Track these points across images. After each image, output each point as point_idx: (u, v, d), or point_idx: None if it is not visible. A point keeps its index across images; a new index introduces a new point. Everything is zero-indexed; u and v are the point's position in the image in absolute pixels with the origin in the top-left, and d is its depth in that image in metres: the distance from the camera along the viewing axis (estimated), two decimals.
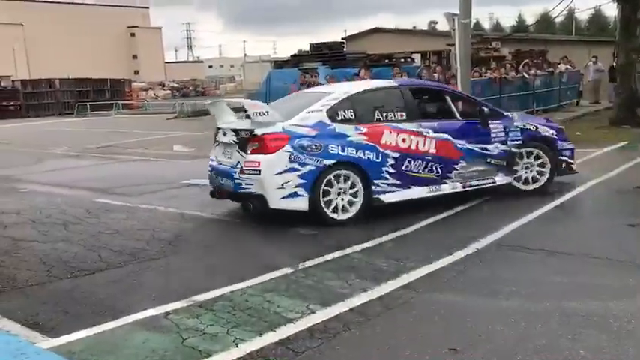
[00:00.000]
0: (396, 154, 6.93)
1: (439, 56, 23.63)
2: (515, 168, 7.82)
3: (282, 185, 6.45)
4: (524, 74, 18.90)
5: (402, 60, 21.78)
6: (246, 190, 6.63)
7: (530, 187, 7.90)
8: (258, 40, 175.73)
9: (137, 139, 18.58)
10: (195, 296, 4.48)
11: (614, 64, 17.86)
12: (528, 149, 7.87)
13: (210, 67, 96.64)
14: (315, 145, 6.56)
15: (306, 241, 6.17)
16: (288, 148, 6.47)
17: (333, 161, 6.61)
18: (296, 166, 6.46)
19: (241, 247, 6.09)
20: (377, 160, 6.83)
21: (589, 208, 7.38)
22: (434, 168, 7.19)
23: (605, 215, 6.89)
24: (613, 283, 4.56)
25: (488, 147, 7.55)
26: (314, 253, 5.53)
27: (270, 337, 3.76)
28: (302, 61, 22.46)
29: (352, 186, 6.77)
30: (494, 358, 3.46)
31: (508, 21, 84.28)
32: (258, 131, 6.58)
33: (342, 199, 6.73)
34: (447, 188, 7.34)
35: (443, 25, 14.44)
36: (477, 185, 7.55)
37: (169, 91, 57.01)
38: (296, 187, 6.47)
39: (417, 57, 23.61)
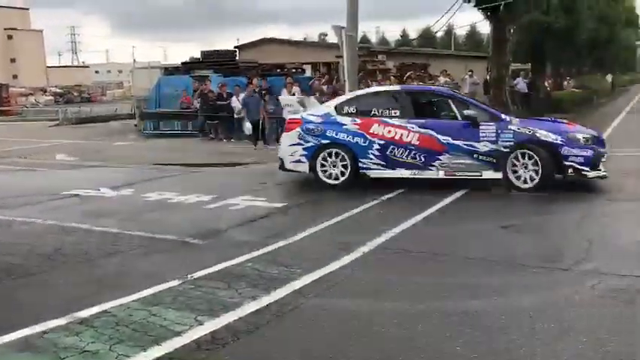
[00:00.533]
0: (382, 142, 8.95)
1: (329, 67, 24.11)
2: (514, 167, 8.55)
3: (292, 154, 9.46)
4: None
5: (294, 70, 22.03)
6: (278, 155, 9.85)
7: (527, 185, 8.47)
8: (148, 45, 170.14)
9: (15, 148, 17.35)
10: (76, 313, 4.26)
11: (488, 77, 19.18)
12: (523, 150, 8.47)
13: (97, 72, 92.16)
14: (318, 129, 9.28)
15: (197, 251, 6.09)
16: (298, 129, 9.42)
17: (327, 141, 9.22)
18: (302, 142, 9.36)
19: (126, 259, 5.86)
20: (364, 144, 9.01)
21: (467, 211, 7.81)
22: (417, 156, 8.84)
23: (481, 218, 7.35)
24: (487, 282, 4.88)
25: (476, 144, 8.59)
26: (204, 263, 5.45)
27: (156, 352, 3.67)
28: (193, 69, 22.07)
29: (343, 160, 9.07)
30: (378, 359, 3.60)
31: (393, 35, 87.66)
32: (287, 117, 10.22)
33: (334, 170, 9.14)
34: (430, 174, 8.89)
35: (332, 37, 14.81)
36: (462, 176, 8.81)
37: (52, 97, 53.71)
38: (300, 155, 9.35)
39: (308, 68, 23.98)
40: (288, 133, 9.63)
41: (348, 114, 9.29)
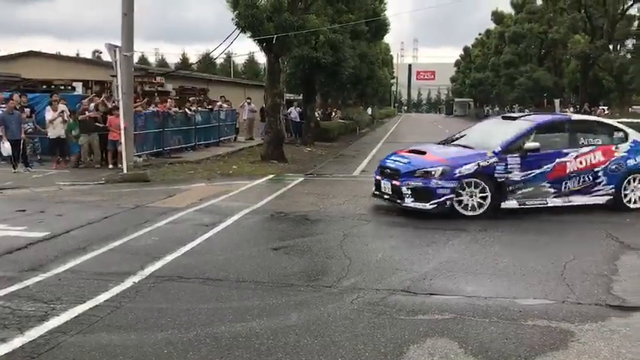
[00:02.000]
0: None
1: (102, 86, 22.89)
2: None
3: None
4: (187, 110, 19.71)
5: (62, 87, 20.46)
6: None
7: None
8: None
9: None
10: None
11: (264, 105, 19.99)
12: None
13: None
14: None
15: None
16: None
17: None
18: None
19: None
20: None
21: (241, 235, 7.93)
22: None
23: (254, 241, 7.55)
24: (257, 304, 5.03)
25: None
26: None
27: None
28: None
29: None
30: None
31: (173, 58, 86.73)
32: None
33: None
34: None
35: (108, 55, 14.09)
36: None
37: None
38: None
39: (79, 85, 22.44)
40: None
41: None
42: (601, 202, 9.55)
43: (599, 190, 9.56)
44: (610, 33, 29.82)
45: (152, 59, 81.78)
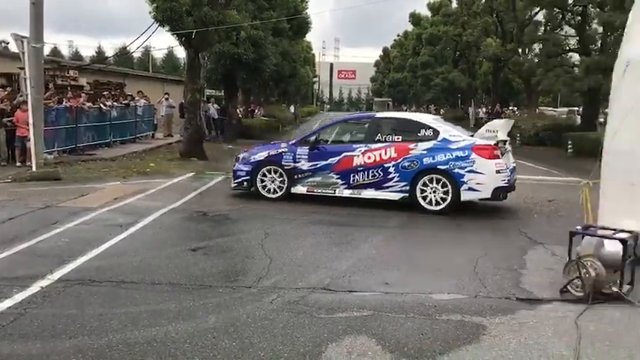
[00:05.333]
0: None
1: (9, 79, 21.60)
2: None
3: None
4: (102, 105, 18.96)
5: None
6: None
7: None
8: None
9: None
10: None
11: (184, 101, 19.55)
12: None
13: None
14: None
15: None
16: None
17: None
18: None
19: None
20: None
21: (158, 235, 7.69)
22: None
23: (172, 242, 7.34)
24: (174, 307, 4.88)
25: None
26: None
27: None
28: None
29: None
30: None
31: (88, 51, 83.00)
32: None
33: None
34: None
35: (15, 47, 13.32)
36: None
37: None
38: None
39: None
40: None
41: None
42: (395, 199, 9.48)
43: (392, 186, 9.50)
44: (519, 37, 31.28)
45: (65, 51, 78.00)
